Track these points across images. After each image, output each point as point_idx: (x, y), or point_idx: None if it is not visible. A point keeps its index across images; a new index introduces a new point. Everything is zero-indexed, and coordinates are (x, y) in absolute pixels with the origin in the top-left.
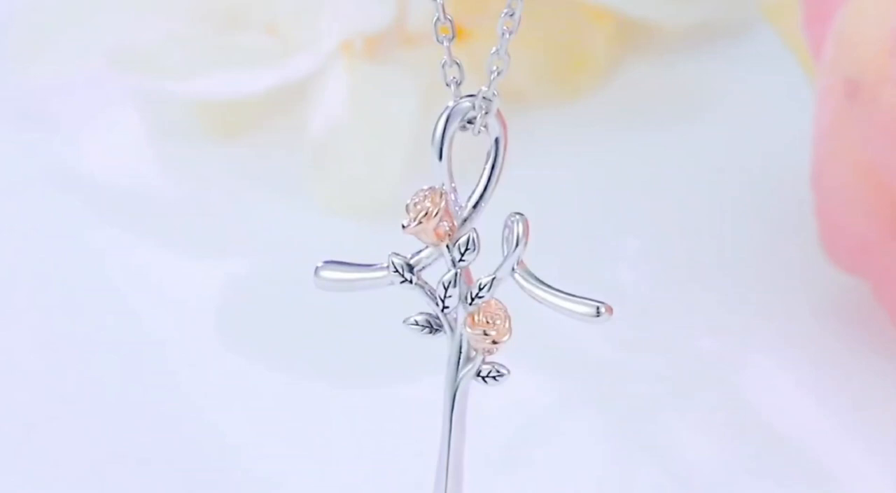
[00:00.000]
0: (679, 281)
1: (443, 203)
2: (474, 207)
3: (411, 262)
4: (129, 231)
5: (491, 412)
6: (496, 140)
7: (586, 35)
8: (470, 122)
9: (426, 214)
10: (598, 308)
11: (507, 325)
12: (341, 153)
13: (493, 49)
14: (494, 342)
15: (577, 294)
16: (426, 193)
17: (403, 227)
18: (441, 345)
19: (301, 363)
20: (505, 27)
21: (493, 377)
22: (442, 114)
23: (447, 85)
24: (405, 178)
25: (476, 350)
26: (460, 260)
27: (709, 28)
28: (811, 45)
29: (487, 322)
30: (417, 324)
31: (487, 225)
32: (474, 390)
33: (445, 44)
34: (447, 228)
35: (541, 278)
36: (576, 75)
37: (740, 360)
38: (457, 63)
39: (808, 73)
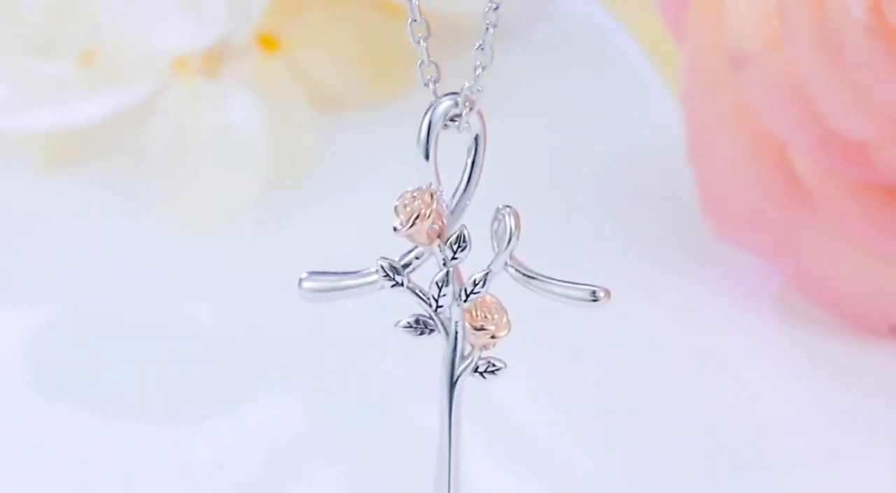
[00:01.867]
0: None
1: (434, 204)
2: (458, 204)
3: (402, 264)
4: None
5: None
6: (476, 137)
7: (395, 34)
8: (452, 119)
9: (418, 215)
10: (594, 292)
11: (504, 319)
12: (189, 173)
13: (477, 44)
14: (493, 337)
15: (572, 281)
16: (414, 194)
17: (395, 229)
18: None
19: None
20: (489, 21)
21: (491, 372)
22: (426, 114)
23: (425, 85)
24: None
25: (472, 346)
26: (453, 258)
27: (511, 17)
28: (668, 22)
29: (485, 318)
30: (410, 326)
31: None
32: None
33: (422, 44)
34: (437, 228)
35: (532, 268)
36: (389, 75)
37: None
38: (434, 63)
39: (652, 52)
